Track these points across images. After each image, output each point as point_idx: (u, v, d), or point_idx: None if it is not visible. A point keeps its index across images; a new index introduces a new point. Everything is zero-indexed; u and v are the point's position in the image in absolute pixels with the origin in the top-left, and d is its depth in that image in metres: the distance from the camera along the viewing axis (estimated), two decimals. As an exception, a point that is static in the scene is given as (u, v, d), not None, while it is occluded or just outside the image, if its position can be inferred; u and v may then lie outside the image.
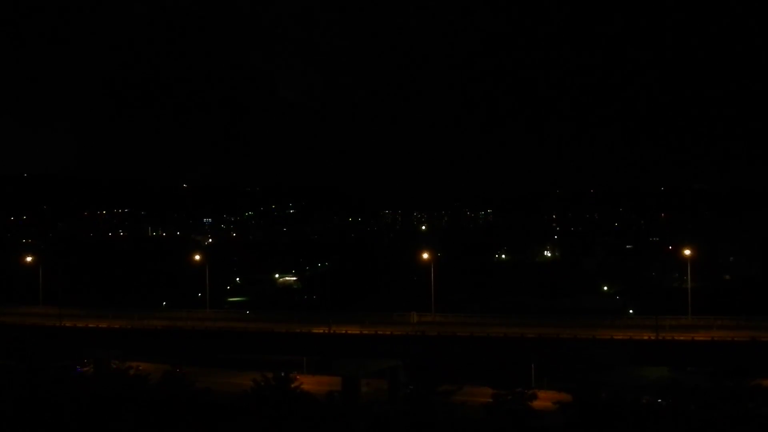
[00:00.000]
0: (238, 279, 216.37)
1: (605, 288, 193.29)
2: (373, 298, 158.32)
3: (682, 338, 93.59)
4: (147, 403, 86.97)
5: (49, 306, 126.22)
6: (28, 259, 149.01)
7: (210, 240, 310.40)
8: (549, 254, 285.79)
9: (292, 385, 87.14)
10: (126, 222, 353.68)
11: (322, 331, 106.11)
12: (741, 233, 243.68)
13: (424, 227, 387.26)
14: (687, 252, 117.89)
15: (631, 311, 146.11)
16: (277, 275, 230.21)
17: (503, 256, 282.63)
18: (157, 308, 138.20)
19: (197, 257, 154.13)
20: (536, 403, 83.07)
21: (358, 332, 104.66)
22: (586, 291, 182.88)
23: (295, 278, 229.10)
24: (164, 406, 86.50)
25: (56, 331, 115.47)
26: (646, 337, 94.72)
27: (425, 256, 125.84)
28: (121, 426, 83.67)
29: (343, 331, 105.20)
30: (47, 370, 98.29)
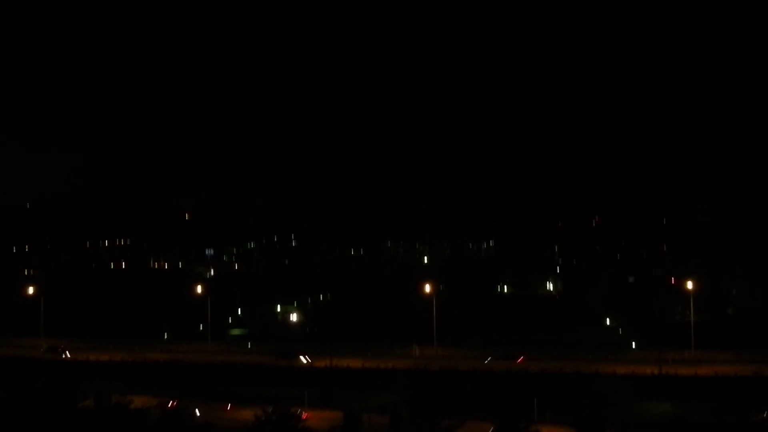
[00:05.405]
0: (239, 311, 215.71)
1: (608, 321, 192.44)
2: (375, 331, 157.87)
3: (685, 373, 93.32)
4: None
5: (51, 338, 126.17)
6: (30, 290, 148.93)
7: (212, 272, 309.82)
8: (551, 287, 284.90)
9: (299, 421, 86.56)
10: (128, 253, 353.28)
11: (323, 364, 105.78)
12: (744, 266, 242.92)
13: (426, 258, 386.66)
14: (689, 285, 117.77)
15: (633, 345, 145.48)
16: (278, 307, 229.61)
17: (505, 288, 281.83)
18: (158, 341, 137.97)
19: (199, 289, 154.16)
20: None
21: (359, 366, 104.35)
22: (589, 324, 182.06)
23: (296, 310, 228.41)
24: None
25: (57, 363, 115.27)
26: (649, 372, 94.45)
27: (427, 288, 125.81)
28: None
29: (345, 365, 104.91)
30: (48, 403, 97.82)
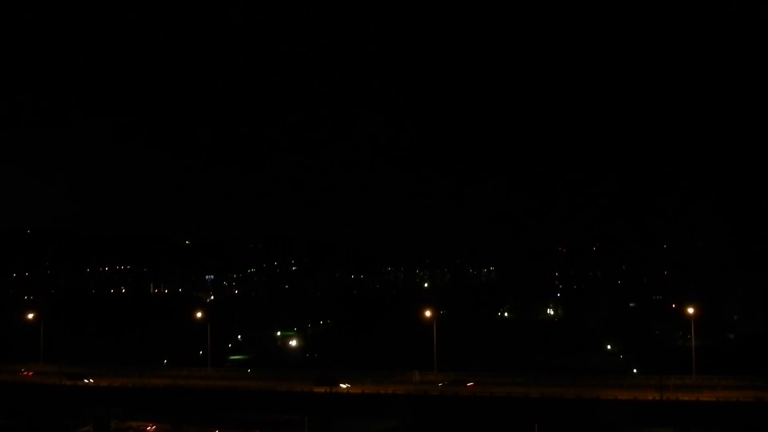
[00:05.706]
0: (239, 336, 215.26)
1: (609, 346, 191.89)
2: (376, 356, 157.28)
3: (686, 398, 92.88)
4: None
5: (50, 364, 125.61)
6: (30, 315, 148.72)
7: (212, 297, 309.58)
8: (552, 312, 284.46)
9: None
10: (128, 278, 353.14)
11: (323, 390, 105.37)
12: (744, 290, 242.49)
13: (426, 284, 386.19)
14: (690, 310, 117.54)
15: (635, 370, 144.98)
16: (279, 332, 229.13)
17: (506, 313, 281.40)
18: (158, 366, 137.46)
19: (199, 314, 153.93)
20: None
21: (359, 391, 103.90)
22: (590, 349, 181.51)
23: (296, 335, 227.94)
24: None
25: (56, 389, 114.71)
26: (650, 398, 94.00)
27: (428, 313, 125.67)
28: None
29: (345, 390, 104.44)
30: (46, 429, 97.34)
